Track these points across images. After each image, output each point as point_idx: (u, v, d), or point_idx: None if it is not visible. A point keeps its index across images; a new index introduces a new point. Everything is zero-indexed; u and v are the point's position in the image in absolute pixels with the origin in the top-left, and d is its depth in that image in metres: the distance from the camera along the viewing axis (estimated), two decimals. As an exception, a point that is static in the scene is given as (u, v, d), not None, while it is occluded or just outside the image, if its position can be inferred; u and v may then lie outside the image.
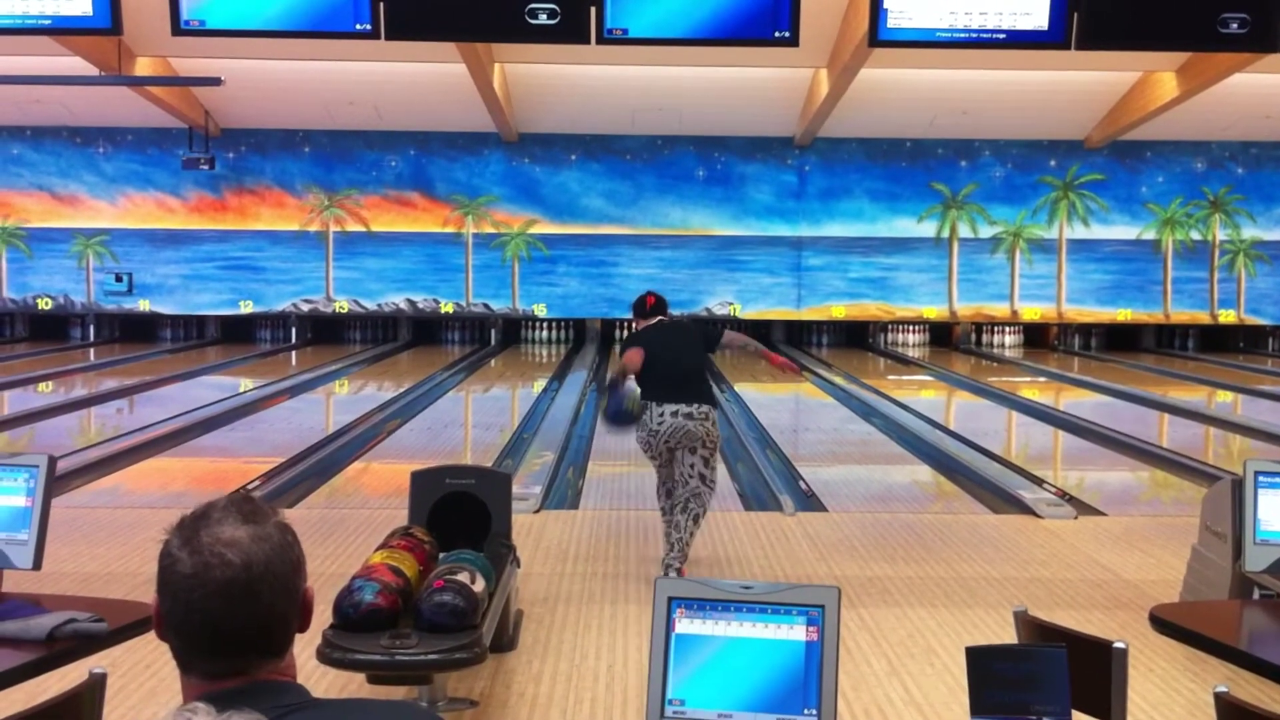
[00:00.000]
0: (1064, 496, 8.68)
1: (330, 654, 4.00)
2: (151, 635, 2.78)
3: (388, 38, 6.46)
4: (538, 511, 7.98)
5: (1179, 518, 8.01)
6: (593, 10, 6.51)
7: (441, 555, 4.91)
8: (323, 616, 4.55)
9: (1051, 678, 2.25)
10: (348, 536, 7.30)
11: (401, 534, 4.84)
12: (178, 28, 6.55)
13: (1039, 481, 9.27)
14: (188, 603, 1.65)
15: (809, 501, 8.62)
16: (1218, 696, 2.73)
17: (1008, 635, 5.41)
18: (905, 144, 21.20)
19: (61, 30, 6.64)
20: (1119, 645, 2.75)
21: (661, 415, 6.27)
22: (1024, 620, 3.01)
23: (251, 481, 9.02)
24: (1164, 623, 3.14)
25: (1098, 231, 21.39)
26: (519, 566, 5.37)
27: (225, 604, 1.64)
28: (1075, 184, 21.32)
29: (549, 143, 21.14)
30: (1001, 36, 6.58)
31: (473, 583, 4.29)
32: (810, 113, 19.18)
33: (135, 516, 7.82)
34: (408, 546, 4.67)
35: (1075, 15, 6.55)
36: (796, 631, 2.15)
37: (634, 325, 6.84)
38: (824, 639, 2.14)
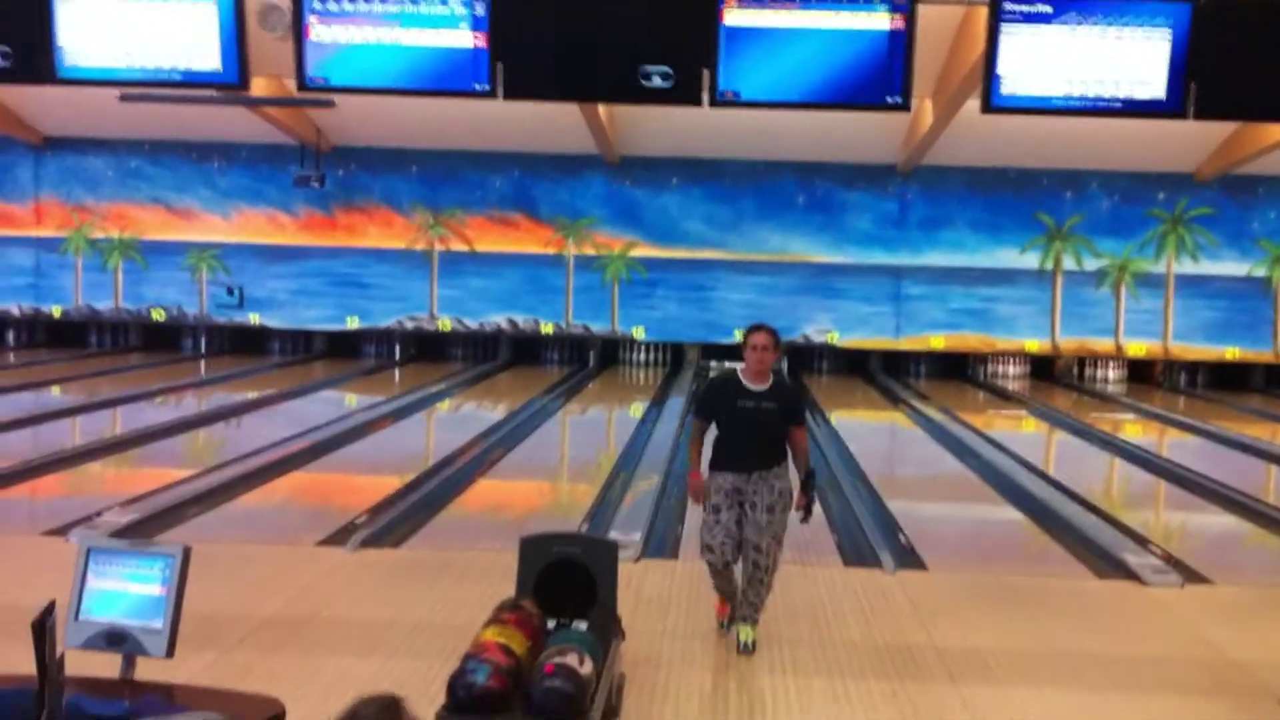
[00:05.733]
0: (1169, 560, 8.56)
1: (443, 736, 4.11)
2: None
3: (505, 98, 6.60)
4: (638, 560, 8.05)
5: (1288, 589, 7.92)
6: (705, 74, 6.59)
7: (550, 626, 5.01)
8: (435, 685, 4.68)
9: None
10: (454, 581, 7.44)
11: (510, 607, 4.95)
12: (303, 84, 6.75)
13: (1143, 542, 9.15)
14: None
15: (908, 558, 8.59)
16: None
17: (1111, 721, 5.40)
18: (1009, 173, 20.99)
19: (191, 84, 6.87)
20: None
21: None
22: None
23: (359, 517, 9.22)
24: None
25: (1206, 267, 20.98)
26: (624, 638, 5.45)
27: None
28: (1184, 218, 20.95)
29: (650, 166, 21.26)
30: (1118, 106, 6.56)
31: (581, 665, 4.37)
32: (913, 141, 19.08)
33: (248, 553, 8.03)
34: (517, 621, 4.77)
35: (1193, 85, 6.49)
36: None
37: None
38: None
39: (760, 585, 6.22)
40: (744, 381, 6.26)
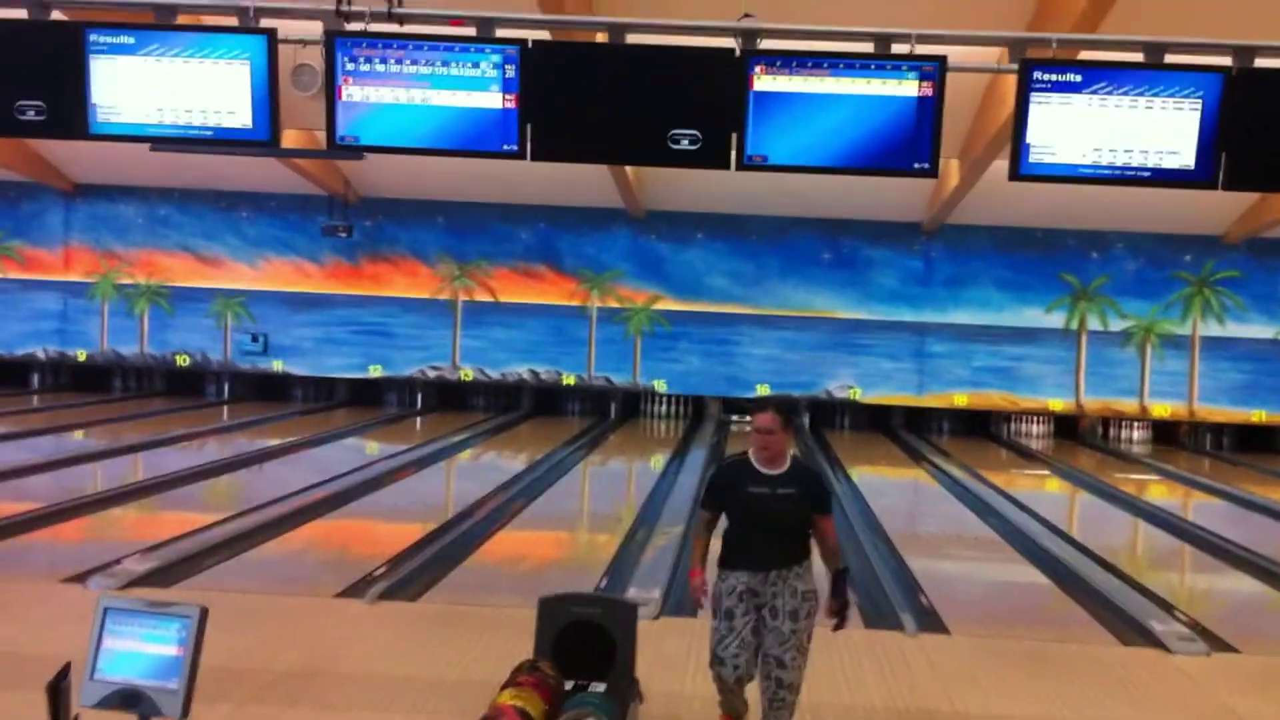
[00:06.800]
0: (1195, 627, 8.45)
1: (459, 800, 4.08)
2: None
3: (534, 159, 6.65)
4: (657, 618, 8.00)
5: (1317, 661, 7.81)
6: (734, 138, 6.62)
7: (567, 688, 4.98)
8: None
9: None
10: (472, 636, 7.41)
11: (528, 669, 4.92)
12: (333, 142, 6.80)
13: (1169, 608, 9.05)
14: None
15: (929, 619, 8.51)
16: None
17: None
18: (1036, 234, 20.99)
19: (222, 141, 6.93)
20: None
21: None
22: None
23: (378, 568, 9.20)
24: None
25: (1233, 329, 20.89)
26: (642, 701, 5.40)
27: None
28: (1211, 280, 20.89)
29: (675, 221, 21.35)
30: (1146, 175, 6.58)
31: (599, 730, 4.34)
32: (939, 201, 19.10)
33: (266, 603, 8.01)
34: (534, 684, 4.74)
35: (1223, 156, 6.49)
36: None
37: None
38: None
39: (785, 708, 5.31)
40: (756, 465, 5.37)
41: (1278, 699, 6.89)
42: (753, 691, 5.49)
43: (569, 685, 5.04)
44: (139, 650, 3.56)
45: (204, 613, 3.59)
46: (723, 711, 5.61)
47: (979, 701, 6.62)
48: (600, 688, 5.01)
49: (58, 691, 2.95)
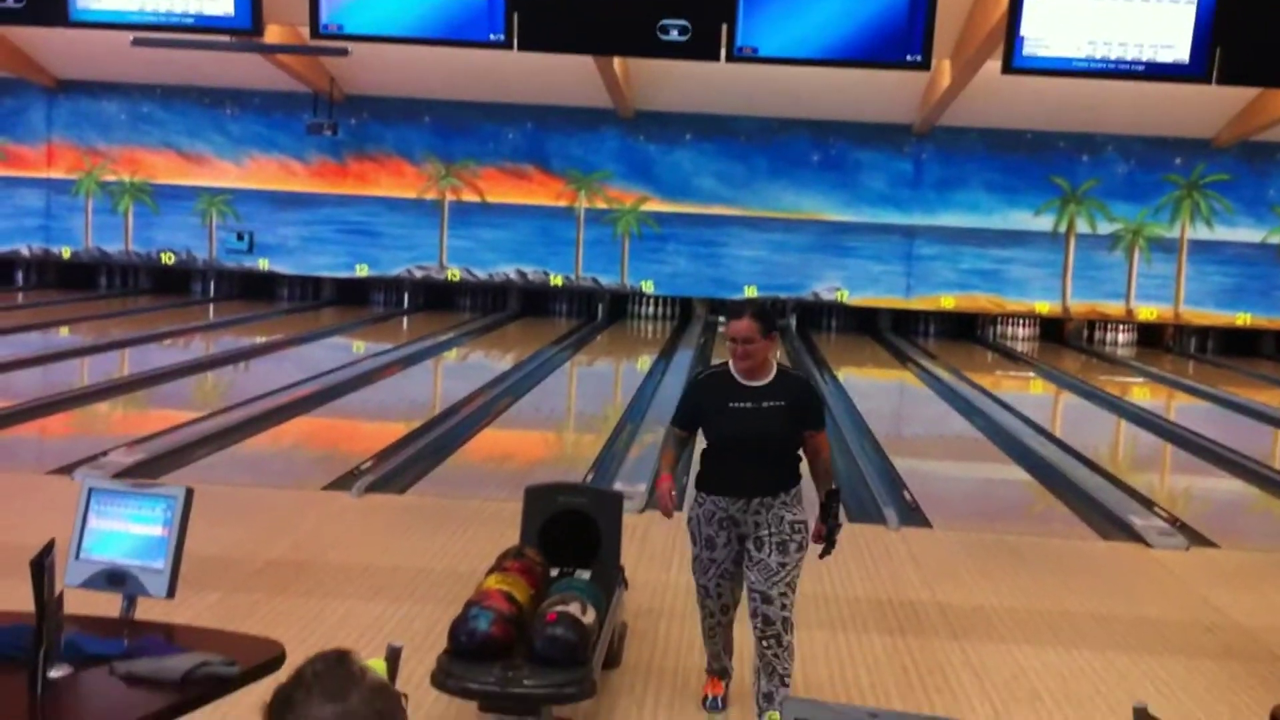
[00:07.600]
0: (1175, 523, 8.54)
1: (445, 681, 4.13)
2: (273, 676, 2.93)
3: (520, 49, 6.55)
4: (643, 511, 8.05)
5: (1294, 556, 7.92)
6: (724, 28, 6.52)
7: (553, 575, 5.02)
8: (437, 630, 4.70)
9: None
10: (459, 528, 7.47)
11: (514, 555, 4.95)
12: (317, 31, 6.69)
13: (1149, 505, 9.14)
14: None
15: (912, 515, 8.58)
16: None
17: (1115, 683, 5.41)
18: (1026, 136, 20.85)
19: (204, 29, 6.81)
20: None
21: None
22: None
23: (365, 462, 9.23)
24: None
25: (1221, 233, 20.86)
26: (627, 588, 5.45)
27: None
28: (1200, 183, 20.82)
29: (664, 121, 21.15)
30: (1140, 69, 6.50)
31: (583, 614, 4.38)
32: (930, 102, 18.93)
33: (253, 495, 8.06)
34: (520, 569, 4.77)
35: (1217, 50, 6.41)
36: None
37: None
38: None
39: (779, 651, 4.65)
40: (738, 377, 4.74)
41: (1254, 591, 6.99)
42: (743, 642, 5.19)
43: (555, 572, 5.07)
44: (124, 530, 3.56)
45: (189, 493, 3.58)
46: (709, 669, 5.10)
47: (960, 593, 6.70)
48: (586, 575, 5.05)
49: (41, 567, 2.95)
